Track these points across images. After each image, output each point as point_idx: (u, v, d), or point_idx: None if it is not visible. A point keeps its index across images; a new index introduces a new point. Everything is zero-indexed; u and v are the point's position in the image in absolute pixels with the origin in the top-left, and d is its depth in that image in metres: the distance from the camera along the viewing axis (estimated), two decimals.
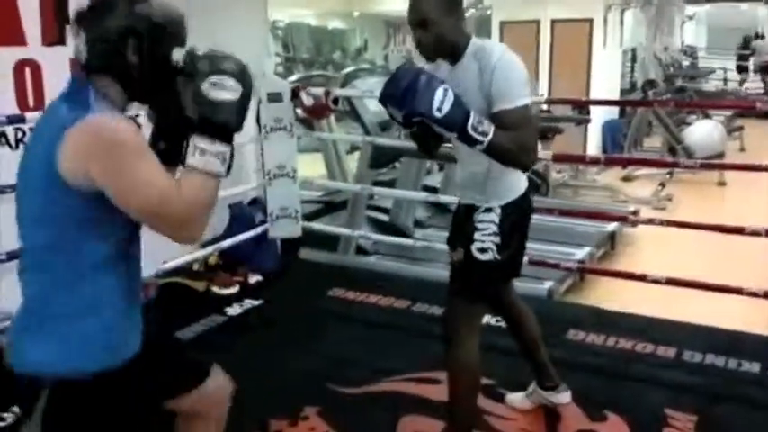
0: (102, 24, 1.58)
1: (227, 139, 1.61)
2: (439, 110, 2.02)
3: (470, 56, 2.21)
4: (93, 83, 1.61)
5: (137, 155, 1.54)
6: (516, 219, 2.37)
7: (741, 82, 16.53)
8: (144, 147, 1.58)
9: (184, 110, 1.65)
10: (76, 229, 1.59)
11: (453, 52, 2.24)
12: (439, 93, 2.02)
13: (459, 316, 2.39)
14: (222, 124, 1.59)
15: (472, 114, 2.06)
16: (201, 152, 1.58)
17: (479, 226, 2.32)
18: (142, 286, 1.91)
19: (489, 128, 2.07)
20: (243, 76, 1.61)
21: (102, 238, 1.62)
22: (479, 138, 2.06)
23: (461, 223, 2.45)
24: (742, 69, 16.88)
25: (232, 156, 1.63)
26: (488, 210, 2.33)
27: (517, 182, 2.39)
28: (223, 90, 1.57)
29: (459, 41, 2.22)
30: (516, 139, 2.11)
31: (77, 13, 1.62)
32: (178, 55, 1.63)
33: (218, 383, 1.89)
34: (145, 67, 1.61)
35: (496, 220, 2.31)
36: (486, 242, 2.30)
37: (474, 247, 2.31)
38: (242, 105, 1.60)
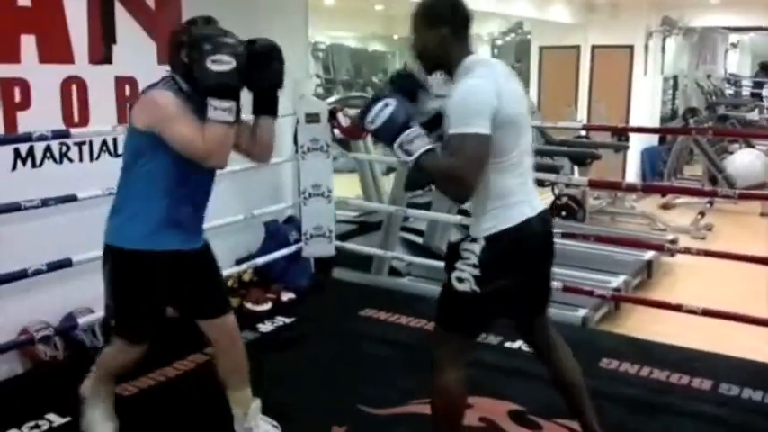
0: (172, 40, 2.45)
1: (232, 97, 2.30)
2: (372, 122, 2.14)
3: (460, 73, 2.21)
4: (174, 76, 2.42)
5: (172, 114, 2.31)
6: (506, 252, 2.21)
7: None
8: (176, 109, 2.32)
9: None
10: (138, 155, 2.41)
11: (441, 65, 2.27)
12: (376, 107, 2.13)
13: (438, 343, 2.35)
14: (225, 86, 2.28)
15: (407, 132, 2.09)
16: (214, 108, 2.29)
17: (463, 255, 2.23)
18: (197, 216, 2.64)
19: (420, 148, 2.08)
20: (236, 49, 2.30)
21: (152, 161, 2.38)
22: (402, 156, 2.11)
23: (454, 250, 2.36)
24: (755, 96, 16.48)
25: (239, 110, 2.34)
26: (473, 240, 2.23)
27: (510, 211, 2.21)
28: (221, 64, 2.26)
29: (446, 55, 2.22)
30: (444, 165, 2.09)
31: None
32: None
33: (234, 323, 2.73)
34: (191, 62, 2.33)
35: (477, 251, 2.19)
36: (465, 272, 2.20)
37: (453, 275, 2.23)
38: (237, 70, 2.28)
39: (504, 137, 2.12)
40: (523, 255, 2.25)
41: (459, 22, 2.22)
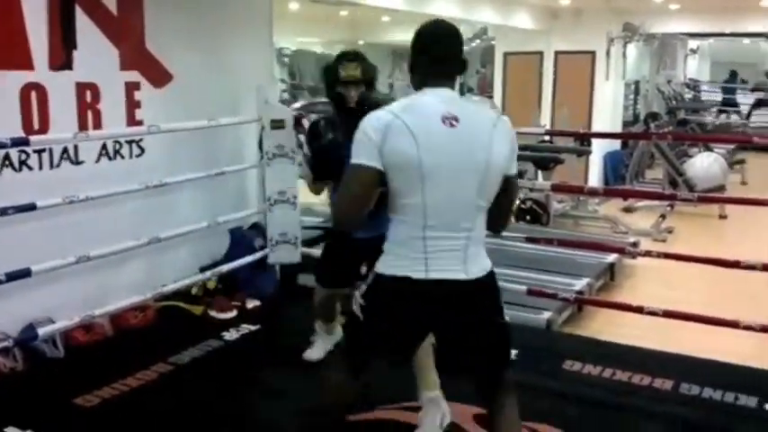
0: None
1: None
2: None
3: None
4: None
5: None
6: (378, 298, 2.12)
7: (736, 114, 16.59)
8: None
9: None
10: None
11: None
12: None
13: (344, 340, 2.41)
14: None
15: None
16: None
17: (367, 279, 2.21)
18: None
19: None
20: None
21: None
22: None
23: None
24: (726, 103, 16.94)
25: None
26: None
27: (387, 258, 2.11)
28: None
29: (411, 81, 2.20)
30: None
31: None
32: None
33: None
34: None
35: (369, 282, 2.16)
36: (357, 296, 2.18)
37: (357, 293, 2.21)
38: None
39: (395, 179, 2.00)
40: (401, 310, 2.10)
41: (420, 54, 2.12)
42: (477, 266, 2.10)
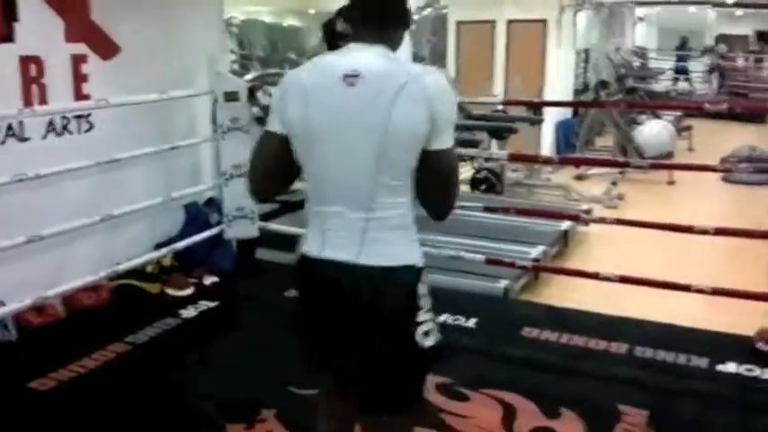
0: None
1: None
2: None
3: None
4: None
5: None
6: (297, 276, 1.89)
7: (686, 81, 17.00)
8: None
9: None
10: None
11: None
12: None
13: None
14: None
15: None
16: None
17: None
18: None
19: None
20: None
21: None
22: None
23: None
24: (679, 71, 17.34)
25: None
26: None
27: (307, 236, 1.87)
28: None
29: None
30: None
31: None
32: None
33: None
34: None
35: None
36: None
37: None
38: None
39: (294, 145, 1.79)
40: (306, 290, 1.89)
41: (352, 10, 1.88)
42: (380, 254, 1.75)
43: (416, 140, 1.71)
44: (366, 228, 1.75)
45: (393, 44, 1.83)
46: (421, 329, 1.79)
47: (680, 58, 17.72)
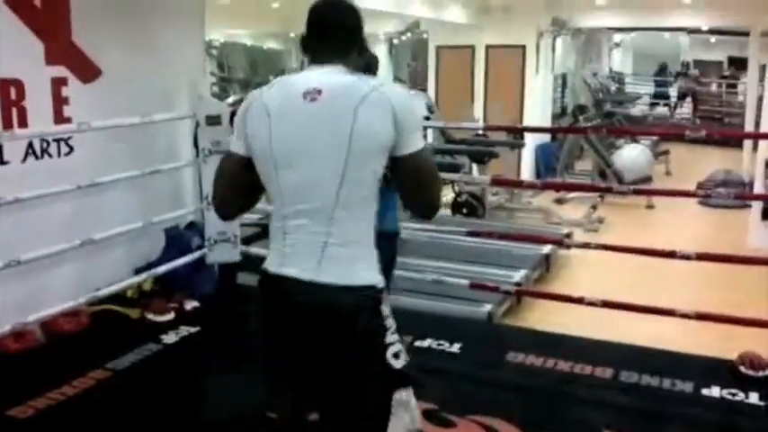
0: None
1: None
2: None
3: None
4: None
5: None
6: (261, 292, 1.85)
7: (665, 106, 17.29)
8: None
9: None
10: None
11: None
12: None
13: None
14: None
15: None
16: None
17: None
18: None
19: None
20: None
21: None
22: None
23: None
24: (658, 95, 17.64)
25: None
26: None
27: (270, 252, 1.85)
28: None
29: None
30: None
31: None
32: None
33: None
34: None
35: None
36: None
37: None
38: None
39: (256, 163, 1.80)
40: (266, 306, 1.84)
41: (307, 32, 1.87)
42: (339, 272, 1.72)
43: (382, 147, 1.71)
44: (326, 243, 1.73)
45: (350, 63, 1.83)
46: (390, 351, 1.76)
47: (658, 84, 18.01)
